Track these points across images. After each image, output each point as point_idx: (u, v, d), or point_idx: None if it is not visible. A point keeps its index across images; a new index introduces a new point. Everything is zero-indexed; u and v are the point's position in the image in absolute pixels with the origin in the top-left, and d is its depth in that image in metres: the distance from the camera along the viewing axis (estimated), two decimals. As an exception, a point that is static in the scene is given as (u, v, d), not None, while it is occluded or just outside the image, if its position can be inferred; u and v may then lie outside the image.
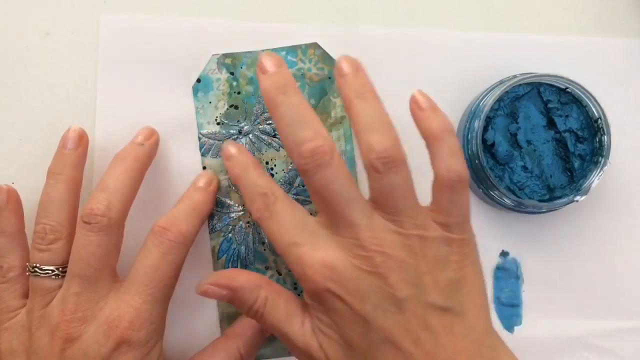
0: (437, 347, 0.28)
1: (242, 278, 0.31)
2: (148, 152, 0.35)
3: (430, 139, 0.30)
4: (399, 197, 0.29)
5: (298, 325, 0.30)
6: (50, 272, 0.32)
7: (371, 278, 0.28)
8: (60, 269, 0.33)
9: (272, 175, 0.37)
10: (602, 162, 0.35)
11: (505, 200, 0.35)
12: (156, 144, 0.36)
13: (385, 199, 0.29)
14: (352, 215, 0.29)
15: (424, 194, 0.31)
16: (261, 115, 0.37)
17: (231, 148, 0.33)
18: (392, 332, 0.28)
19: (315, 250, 0.29)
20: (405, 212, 0.29)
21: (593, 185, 0.35)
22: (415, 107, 0.31)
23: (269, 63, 0.31)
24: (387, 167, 0.29)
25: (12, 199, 0.34)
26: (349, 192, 0.29)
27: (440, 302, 0.29)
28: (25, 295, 0.34)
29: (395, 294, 0.28)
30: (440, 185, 0.30)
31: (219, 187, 0.36)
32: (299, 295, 0.36)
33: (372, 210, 0.30)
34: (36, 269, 0.32)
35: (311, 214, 0.36)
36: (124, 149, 0.34)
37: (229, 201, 0.36)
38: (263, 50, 0.36)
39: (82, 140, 0.34)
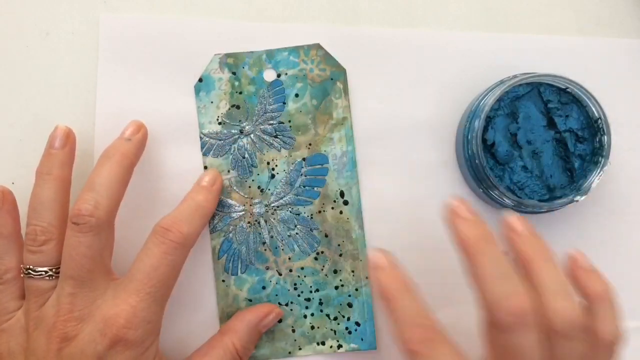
0: None
1: None
2: (136, 147, 0.34)
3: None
4: None
5: None
6: (43, 273, 0.32)
7: None
8: (53, 269, 0.32)
9: (273, 175, 0.37)
10: (602, 162, 0.35)
11: (505, 200, 0.35)
12: (144, 139, 0.35)
13: None
14: None
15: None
16: (263, 115, 0.37)
17: (382, 258, 0.30)
18: None
19: None
20: None
21: (593, 185, 0.35)
22: (574, 266, 0.31)
23: (464, 212, 0.30)
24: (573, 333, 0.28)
25: (8, 200, 0.34)
26: (536, 355, 0.28)
27: None
28: (22, 296, 0.33)
29: None
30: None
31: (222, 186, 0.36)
32: (295, 288, 0.36)
33: None
34: (30, 271, 0.32)
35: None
36: (111, 146, 0.34)
37: (230, 201, 0.36)
38: (265, 50, 0.37)
39: (69, 138, 0.34)
